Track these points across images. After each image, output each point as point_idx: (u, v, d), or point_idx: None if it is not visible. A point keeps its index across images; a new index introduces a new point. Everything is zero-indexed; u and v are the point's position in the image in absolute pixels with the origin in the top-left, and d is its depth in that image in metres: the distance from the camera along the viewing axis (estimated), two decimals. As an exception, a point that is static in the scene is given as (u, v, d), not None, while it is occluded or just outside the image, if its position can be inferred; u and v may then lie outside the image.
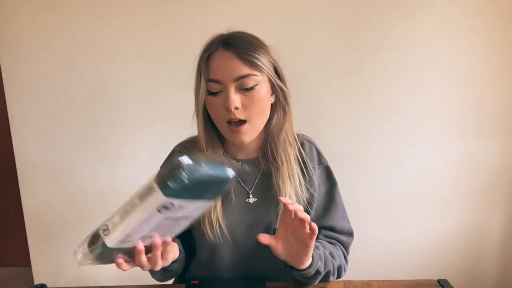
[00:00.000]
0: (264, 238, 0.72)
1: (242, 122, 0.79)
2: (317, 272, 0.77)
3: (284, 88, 0.84)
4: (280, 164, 0.84)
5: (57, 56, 1.42)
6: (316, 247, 0.79)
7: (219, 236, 0.84)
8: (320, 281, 0.81)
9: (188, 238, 0.91)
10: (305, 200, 0.87)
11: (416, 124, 1.47)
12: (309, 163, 0.89)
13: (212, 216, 0.83)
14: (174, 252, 0.76)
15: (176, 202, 0.56)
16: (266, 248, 0.80)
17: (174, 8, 1.38)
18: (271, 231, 0.85)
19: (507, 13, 1.38)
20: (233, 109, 0.76)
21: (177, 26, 1.39)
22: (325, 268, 0.80)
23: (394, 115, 1.46)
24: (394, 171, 1.51)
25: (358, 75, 1.43)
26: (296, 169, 0.86)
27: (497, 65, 1.42)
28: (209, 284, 0.85)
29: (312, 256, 0.74)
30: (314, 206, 0.89)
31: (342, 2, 1.37)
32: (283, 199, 0.67)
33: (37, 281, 1.60)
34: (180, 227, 0.65)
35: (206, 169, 0.56)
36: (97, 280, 1.52)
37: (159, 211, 0.56)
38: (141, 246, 0.62)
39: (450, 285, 0.83)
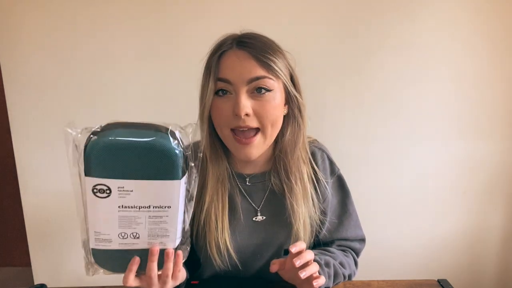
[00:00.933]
0: (275, 266, 0.70)
1: (254, 131, 0.72)
2: None
3: (300, 99, 0.76)
4: (294, 184, 0.78)
5: (57, 56, 1.42)
6: (327, 264, 0.78)
7: (227, 262, 0.79)
8: None
9: (191, 253, 0.88)
10: (317, 221, 0.83)
11: (416, 124, 1.47)
12: (322, 178, 0.83)
13: (219, 240, 0.77)
14: (182, 273, 0.71)
15: (107, 182, 0.54)
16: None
17: (175, 8, 1.38)
18: (282, 252, 0.82)
19: (508, 13, 1.38)
20: (243, 116, 0.69)
21: (179, 26, 1.39)
22: (334, 281, 0.79)
23: (394, 115, 1.46)
24: (394, 171, 1.50)
25: (358, 75, 1.43)
26: (309, 189, 0.81)
27: (497, 65, 1.42)
28: (209, 284, 0.84)
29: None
30: (327, 219, 0.85)
31: (342, 2, 1.37)
32: (293, 249, 0.64)
33: (37, 281, 1.60)
34: (167, 225, 0.58)
35: (116, 137, 0.53)
36: (97, 280, 1.52)
37: (95, 194, 0.54)
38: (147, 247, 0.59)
39: (450, 285, 0.83)
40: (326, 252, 0.84)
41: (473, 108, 1.46)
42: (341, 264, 0.83)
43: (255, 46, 0.71)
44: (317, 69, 1.42)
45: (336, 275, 0.79)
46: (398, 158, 1.49)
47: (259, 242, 0.81)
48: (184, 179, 0.57)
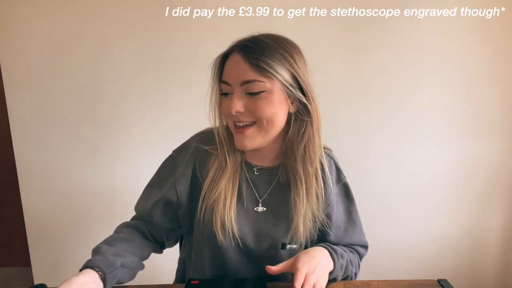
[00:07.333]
0: (272, 269, 0.73)
1: (249, 124, 0.76)
2: (333, 280, 0.79)
3: (303, 100, 0.79)
4: (298, 181, 0.81)
5: (57, 56, 1.42)
6: (341, 255, 0.81)
7: (230, 239, 0.81)
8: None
9: (178, 230, 0.91)
10: (320, 219, 0.84)
11: (416, 124, 1.47)
12: (328, 182, 0.85)
13: (225, 217, 0.80)
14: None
15: None
16: (276, 257, 0.82)
17: (175, 8, 1.38)
18: (279, 245, 0.84)
19: (508, 13, 1.38)
20: (233, 113, 0.74)
21: (178, 26, 1.39)
22: (343, 274, 0.82)
23: (394, 115, 1.46)
24: (394, 172, 1.51)
25: (358, 75, 1.43)
26: (314, 188, 0.82)
27: (497, 65, 1.42)
28: (209, 284, 0.84)
29: (334, 264, 0.76)
30: (332, 225, 0.87)
31: (342, 2, 1.37)
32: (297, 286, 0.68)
33: (37, 281, 1.60)
34: None
35: None
36: (97, 280, 1.52)
37: None
38: None
39: (450, 285, 0.83)
40: (337, 248, 0.86)
41: (472, 108, 1.46)
42: (350, 261, 0.85)
43: (252, 50, 0.74)
44: (317, 68, 1.42)
45: (346, 268, 0.82)
46: (398, 158, 1.49)
47: (257, 232, 0.84)
48: None
